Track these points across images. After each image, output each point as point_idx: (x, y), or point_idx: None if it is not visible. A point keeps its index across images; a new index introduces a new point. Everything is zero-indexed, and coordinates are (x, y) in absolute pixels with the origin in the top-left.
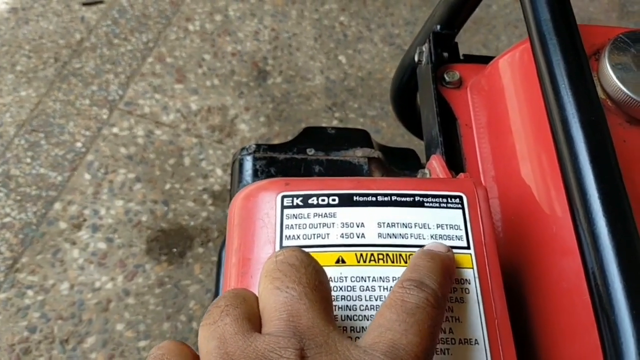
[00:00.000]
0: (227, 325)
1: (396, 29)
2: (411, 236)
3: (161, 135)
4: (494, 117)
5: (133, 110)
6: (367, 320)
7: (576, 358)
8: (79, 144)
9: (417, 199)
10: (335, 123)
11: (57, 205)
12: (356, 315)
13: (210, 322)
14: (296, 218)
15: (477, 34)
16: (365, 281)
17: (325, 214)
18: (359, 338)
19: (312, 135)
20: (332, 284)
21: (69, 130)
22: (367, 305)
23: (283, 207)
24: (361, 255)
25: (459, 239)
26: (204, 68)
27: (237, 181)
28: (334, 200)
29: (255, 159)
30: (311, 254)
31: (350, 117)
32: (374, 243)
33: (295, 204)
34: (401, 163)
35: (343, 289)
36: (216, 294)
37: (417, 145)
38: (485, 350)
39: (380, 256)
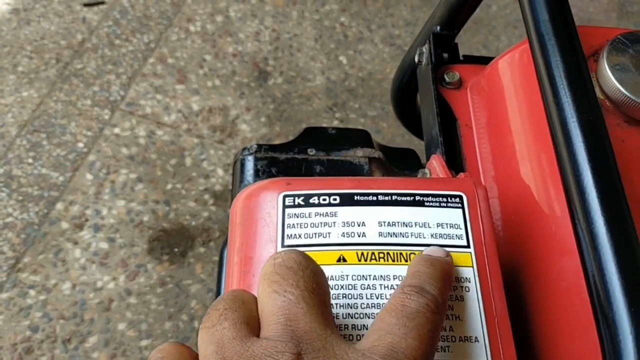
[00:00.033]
0: (225, 329)
1: (396, 29)
2: (412, 235)
3: (163, 135)
4: (494, 118)
5: (134, 110)
6: (368, 318)
7: (575, 356)
8: (80, 144)
9: (417, 198)
10: (335, 123)
11: (59, 205)
12: (357, 314)
13: (209, 325)
14: (298, 217)
15: (477, 35)
16: (366, 280)
17: (327, 213)
18: (360, 336)
19: (313, 136)
20: (333, 283)
21: (71, 130)
22: (368, 304)
23: (285, 206)
24: (362, 254)
25: (459, 238)
26: (205, 69)
27: (239, 181)
28: (335, 199)
29: (256, 159)
30: (312, 252)
31: (351, 117)
32: (375, 242)
33: (296, 203)
34: (401, 163)
35: (344, 287)
36: (218, 293)
37: (417, 145)
38: (485, 347)
39: (381, 255)
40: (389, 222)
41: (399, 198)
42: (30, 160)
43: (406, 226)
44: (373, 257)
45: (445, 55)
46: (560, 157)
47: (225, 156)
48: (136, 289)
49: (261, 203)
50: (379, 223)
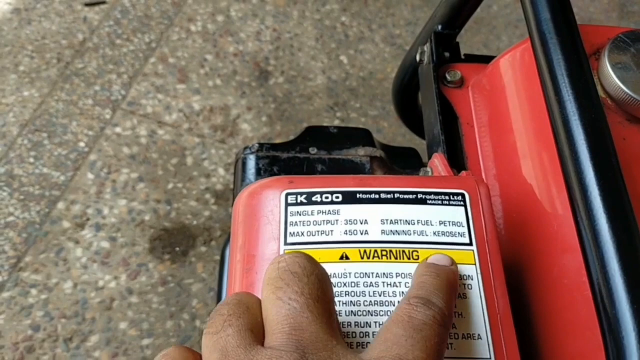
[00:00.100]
0: (230, 336)
1: (397, 29)
2: (414, 233)
3: (164, 135)
4: (495, 116)
5: (136, 110)
6: (371, 315)
7: (578, 353)
8: (81, 144)
9: (419, 196)
10: (336, 123)
11: (61, 205)
12: (360, 311)
13: (213, 331)
14: (300, 215)
15: (478, 34)
16: (368, 277)
17: (329, 211)
18: (363, 334)
19: (315, 134)
20: (335, 280)
21: (72, 130)
22: (370, 301)
23: (287, 204)
24: (365, 251)
25: (461, 236)
26: (206, 68)
27: (240, 180)
28: (337, 197)
29: (258, 158)
30: (315, 250)
31: (352, 116)
32: (378, 240)
33: (299, 201)
34: (403, 162)
35: (347, 284)
36: (219, 292)
37: (418, 144)
38: (488, 344)
39: (384, 252)
40: (391, 220)
41: (401, 196)
42: (31, 160)
43: (408, 224)
44: (376, 254)
45: (447, 54)
46: (562, 155)
47: (227, 155)
48: (137, 288)
49: (263, 201)
50: (381, 221)
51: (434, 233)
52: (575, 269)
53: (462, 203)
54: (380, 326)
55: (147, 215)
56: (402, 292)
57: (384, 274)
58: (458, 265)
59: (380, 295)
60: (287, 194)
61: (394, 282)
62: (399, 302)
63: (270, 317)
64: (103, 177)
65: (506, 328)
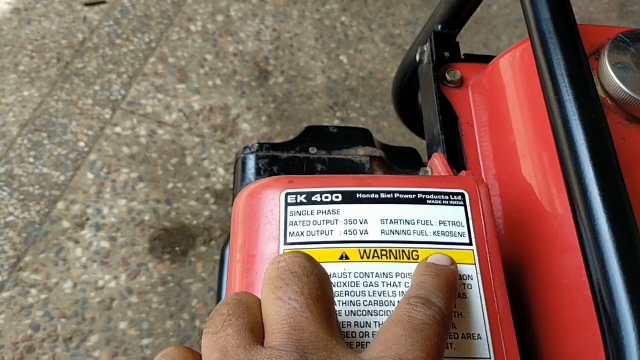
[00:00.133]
0: (230, 336)
1: (397, 29)
2: (414, 233)
3: (164, 135)
4: (495, 116)
5: (136, 110)
6: (371, 315)
7: (578, 354)
8: (81, 144)
9: (419, 196)
10: (336, 123)
11: (61, 205)
12: (360, 311)
13: (213, 331)
14: (300, 215)
15: (478, 34)
16: (368, 277)
17: (329, 211)
18: (363, 334)
19: (315, 134)
20: (335, 280)
21: (72, 130)
22: (370, 301)
23: (287, 204)
24: (365, 251)
25: (461, 236)
26: (206, 68)
27: (240, 180)
28: (337, 197)
29: (258, 158)
30: (315, 250)
31: (352, 116)
32: (378, 240)
33: (299, 201)
34: (403, 162)
35: (347, 284)
36: (219, 292)
37: (418, 144)
38: (488, 344)
39: (384, 252)
40: (391, 220)
41: (401, 196)
42: (31, 160)
43: (408, 224)
44: (376, 254)
45: (447, 54)
46: (562, 155)
47: (227, 155)
48: (137, 288)
49: (263, 201)
50: (381, 221)
51: (434, 233)
52: (575, 269)
53: (462, 203)
54: (380, 326)
55: (147, 215)
56: (402, 292)
57: (384, 274)
58: (458, 265)
59: (380, 295)
60: (287, 194)
61: (394, 282)
62: (399, 302)
63: (270, 317)
64: (103, 177)
65: (506, 328)
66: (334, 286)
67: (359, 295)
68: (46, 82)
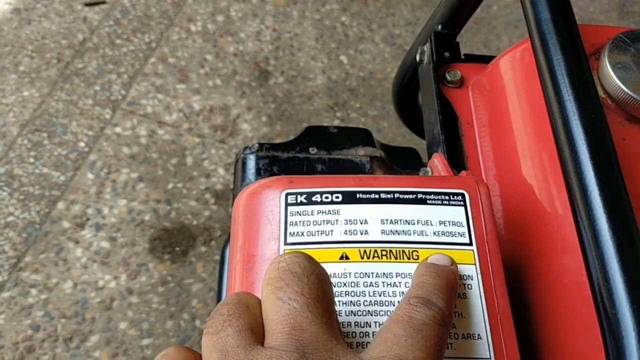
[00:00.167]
0: (230, 336)
1: (397, 29)
2: (414, 233)
3: (164, 135)
4: (495, 116)
5: (136, 110)
6: (371, 315)
7: (578, 354)
8: (81, 144)
9: (419, 196)
10: (336, 123)
11: (61, 205)
12: (360, 311)
13: (212, 331)
14: (300, 215)
15: (478, 34)
16: (368, 277)
17: (329, 211)
18: (363, 334)
19: (315, 134)
20: (335, 280)
21: (72, 130)
22: (370, 301)
23: (287, 204)
24: (365, 251)
25: (461, 236)
26: (206, 68)
27: (240, 180)
28: (337, 197)
29: (258, 158)
30: (315, 250)
31: (352, 116)
32: (378, 240)
33: (299, 201)
34: (403, 162)
35: (347, 284)
36: (219, 292)
37: (418, 144)
38: (488, 344)
39: (384, 252)
40: (391, 220)
41: (401, 196)
42: (31, 160)
43: (408, 224)
44: (376, 254)
45: (447, 54)
46: (562, 155)
47: (227, 155)
48: (137, 288)
49: (263, 201)
50: (381, 221)
51: (434, 233)
52: (575, 269)
53: (462, 203)
54: (380, 326)
55: (147, 215)
56: (402, 292)
57: (384, 274)
58: (458, 265)
59: (380, 295)
60: (287, 194)
61: (394, 282)
62: (399, 302)
63: (270, 317)
64: (103, 177)
65: (506, 328)
66: (334, 286)
67: (359, 295)
68: (46, 82)
